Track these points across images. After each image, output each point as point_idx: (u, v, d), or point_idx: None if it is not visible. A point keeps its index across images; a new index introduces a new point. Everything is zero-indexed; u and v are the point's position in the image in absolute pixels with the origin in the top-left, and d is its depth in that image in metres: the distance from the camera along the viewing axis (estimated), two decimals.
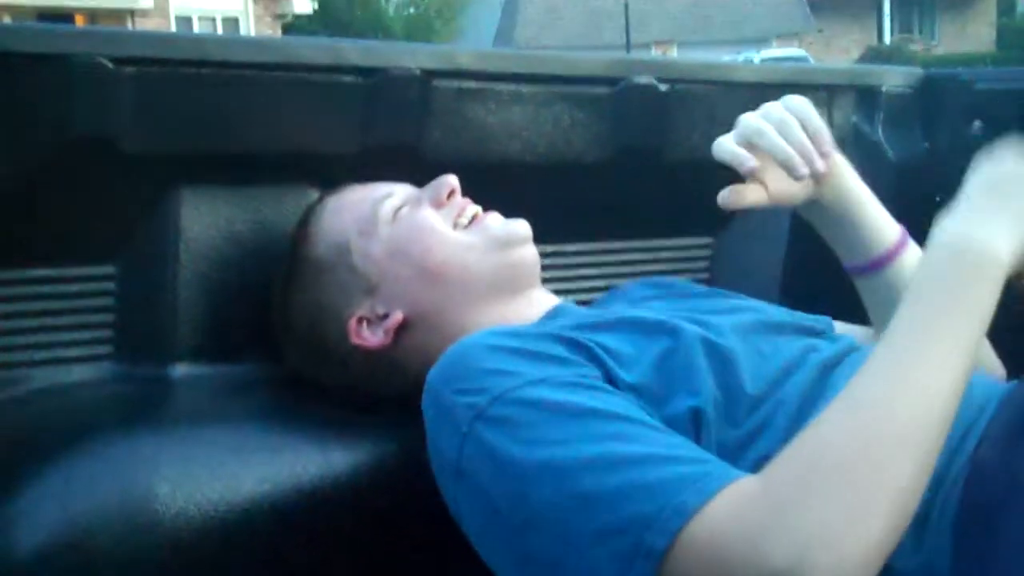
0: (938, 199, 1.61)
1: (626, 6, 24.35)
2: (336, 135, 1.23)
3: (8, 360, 1.12)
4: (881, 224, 1.18)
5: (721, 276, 1.61)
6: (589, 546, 0.78)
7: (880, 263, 1.18)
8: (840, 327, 1.24)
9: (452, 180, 1.15)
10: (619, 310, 1.09)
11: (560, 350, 0.93)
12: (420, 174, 1.21)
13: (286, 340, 1.18)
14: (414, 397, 0.98)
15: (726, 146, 1.05)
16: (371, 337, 1.11)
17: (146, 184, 1.15)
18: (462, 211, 1.15)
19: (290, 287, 1.16)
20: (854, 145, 1.61)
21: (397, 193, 1.15)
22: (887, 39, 29.45)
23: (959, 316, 0.81)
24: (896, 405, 0.76)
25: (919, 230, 1.63)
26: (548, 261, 1.43)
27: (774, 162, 1.05)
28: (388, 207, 1.13)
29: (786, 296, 1.54)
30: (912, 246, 1.19)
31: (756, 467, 0.80)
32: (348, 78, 1.20)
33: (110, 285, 1.18)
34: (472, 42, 29.41)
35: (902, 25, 30.69)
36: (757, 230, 1.59)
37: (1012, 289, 0.85)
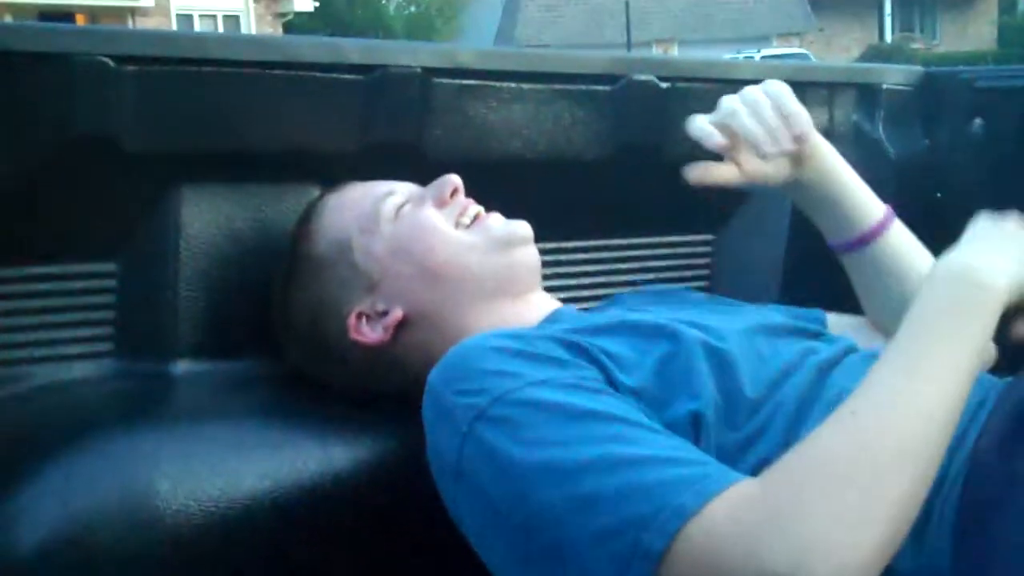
0: (938, 196, 1.63)
1: (627, 4, 24.35)
2: (337, 133, 1.23)
3: (9, 357, 1.12)
4: (864, 201, 1.21)
5: (722, 272, 1.61)
6: (588, 547, 0.78)
7: (865, 240, 1.20)
8: (833, 318, 1.26)
9: (455, 179, 1.15)
10: (619, 314, 1.10)
11: (561, 352, 0.93)
12: (421, 172, 1.21)
13: (286, 337, 1.18)
14: (413, 395, 0.99)
15: (697, 123, 1.09)
16: (370, 333, 1.11)
17: (147, 182, 1.15)
18: (464, 210, 1.15)
19: (291, 284, 1.16)
20: (855, 143, 1.61)
21: (399, 191, 1.16)
22: (888, 38, 29.44)
23: (957, 337, 0.83)
24: (895, 416, 0.78)
25: (920, 227, 1.63)
26: (549, 258, 1.42)
27: (746, 142, 1.09)
28: (390, 205, 1.13)
29: (786, 292, 1.55)
30: (898, 224, 1.22)
31: (755, 470, 0.80)
32: (349, 76, 1.21)
33: (111, 282, 1.18)
34: (473, 41, 29.41)
35: (903, 24, 30.68)
36: (757, 226, 1.59)
37: (1004, 319, 0.89)
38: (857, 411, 0.78)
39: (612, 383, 0.92)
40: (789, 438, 0.87)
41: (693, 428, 0.90)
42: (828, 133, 1.59)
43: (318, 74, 1.19)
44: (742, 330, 1.03)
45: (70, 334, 1.16)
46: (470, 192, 1.18)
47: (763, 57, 21.08)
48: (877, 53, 25.08)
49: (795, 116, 1.09)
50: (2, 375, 1.12)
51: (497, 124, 1.32)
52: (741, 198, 1.54)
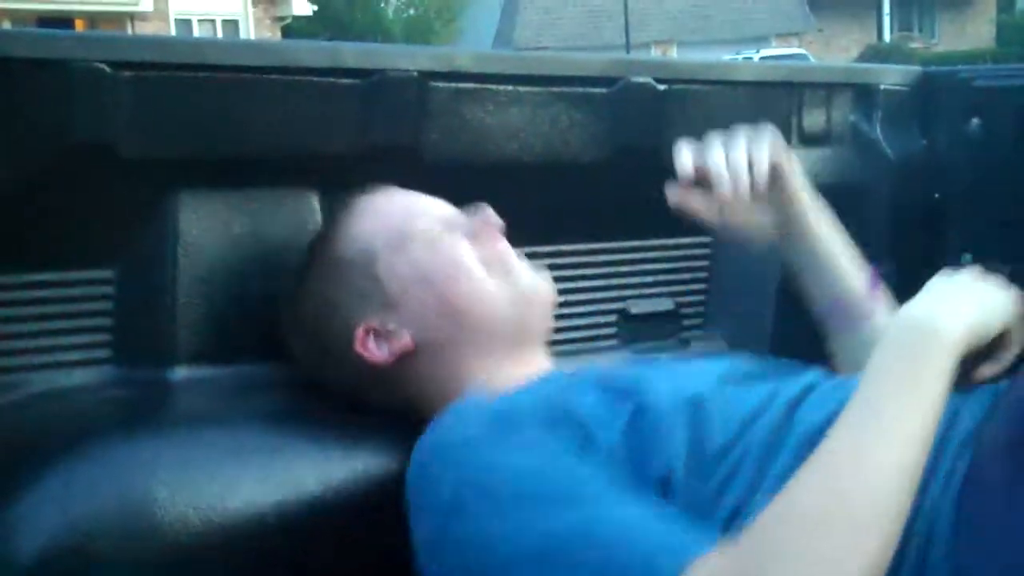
0: (937, 196, 1.63)
1: (625, 6, 24.35)
2: (334, 138, 1.23)
3: (7, 364, 1.12)
4: (848, 272, 1.25)
5: (719, 275, 1.61)
6: None
7: (849, 314, 1.23)
8: None
9: (493, 217, 1.15)
10: (594, 371, 1.09)
11: (539, 420, 0.95)
12: (419, 176, 1.21)
13: (290, 326, 1.18)
14: (399, 412, 1.03)
15: (681, 157, 1.14)
16: (375, 351, 1.11)
17: (144, 188, 1.15)
18: (495, 251, 1.15)
19: (308, 277, 1.16)
20: (852, 143, 1.62)
21: (437, 213, 1.15)
22: (887, 37, 29.44)
23: (916, 387, 0.84)
24: (860, 476, 0.79)
25: (917, 228, 1.64)
26: (547, 262, 1.43)
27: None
28: (425, 227, 1.13)
29: (783, 296, 1.54)
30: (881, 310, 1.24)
31: (727, 523, 0.85)
32: (346, 80, 1.20)
33: (109, 289, 1.17)
34: (471, 43, 29.43)
35: (902, 23, 30.67)
36: None
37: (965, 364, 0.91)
38: (812, 483, 0.80)
39: (587, 445, 0.93)
40: (758, 481, 0.89)
41: (663, 485, 0.91)
42: (826, 134, 1.59)
43: (315, 79, 1.19)
44: (710, 380, 1.03)
45: (68, 341, 1.15)
46: (469, 195, 1.18)
47: (762, 58, 21.07)
48: (875, 53, 25.07)
49: (757, 164, 1.13)
50: (0, 382, 1.11)
51: (494, 127, 1.32)
52: None
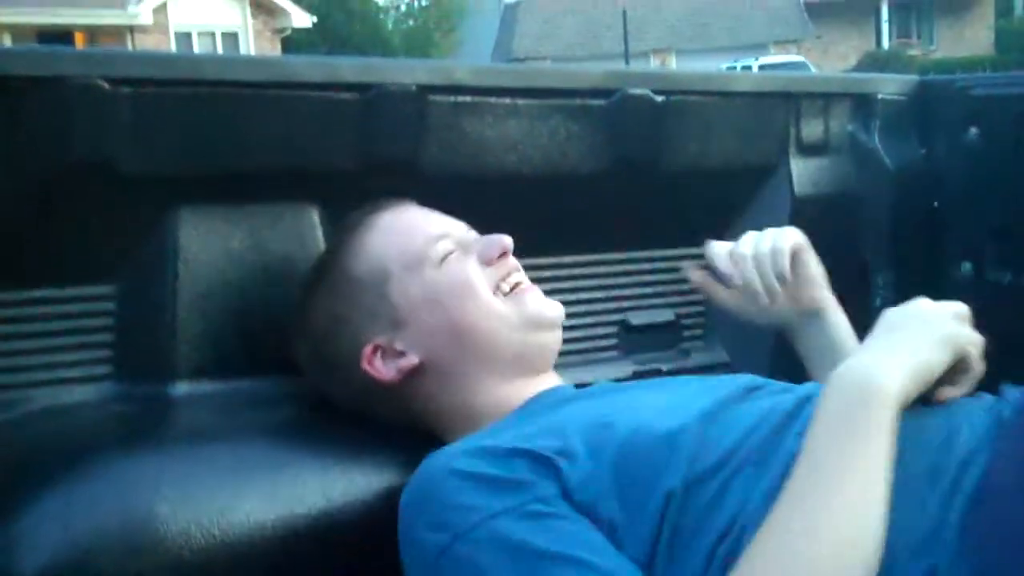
0: (936, 205, 1.63)
1: (624, 15, 24.39)
2: (333, 152, 1.23)
3: (9, 381, 1.12)
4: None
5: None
6: None
7: None
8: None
9: (507, 242, 1.15)
10: (585, 408, 1.08)
11: (522, 470, 0.95)
12: (418, 189, 1.21)
13: (299, 337, 1.18)
14: (404, 428, 1.04)
15: (722, 257, 1.27)
16: (382, 369, 1.11)
17: (144, 204, 1.15)
18: (507, 276, 1.15)
19: (318, 289, 1.16)
20: (851, 153, 1.62)
21: (452, 235, 1.15)
22: (885, 44, 29.48)
23: (856, 450, 0.86)
24: (809, 549, 0.81)
25: (916, 236, 1.64)
26: (546, 273, 1.43)
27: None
28: (440, 249, 1.13)
29: None
30: None
31: (718, 542, 0.88)
32: (344, 95, 1.21)
33: (110, 305, 1.18)
34: (470, 54, 29.48)
35: (900, 30, 30.72)
36: None
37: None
38: (776, 541, 0.82)
39: (568, 492, 0.93)
40: (749, 497, 0.90)
41: (659, 513, 0.92)
42: (824, 144, 1.59)
43: (314, 93, 1.19)
44: (708, 403, 1.03)
45: (69, 357, 1.15)
46: (468, 208, 1.18)
47: (761, 66, 21.10)
48: (874, 60, 25.12)
49: (785, 276, 1.25)
50: (2, 399, 1.11)
51: (493, 140, 1.32)
52: (736, 212, 1.54)
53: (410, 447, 1.03)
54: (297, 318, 1.17)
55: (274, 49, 21.18)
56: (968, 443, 0.90)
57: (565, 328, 1.46)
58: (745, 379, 1.13)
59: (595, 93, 1.39)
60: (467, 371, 1.12)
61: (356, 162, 1.24)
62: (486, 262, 1.14)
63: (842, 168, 1.62)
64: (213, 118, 1.14)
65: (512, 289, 1.15)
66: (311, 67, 1.21)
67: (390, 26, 29.81)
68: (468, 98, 1.29)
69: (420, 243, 1.13)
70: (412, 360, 1.11)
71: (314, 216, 1.25)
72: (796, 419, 0.97)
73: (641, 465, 0.94)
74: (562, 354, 1.45)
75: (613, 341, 1.54)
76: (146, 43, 19.03)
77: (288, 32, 22.16)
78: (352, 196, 1.19)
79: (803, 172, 1.58)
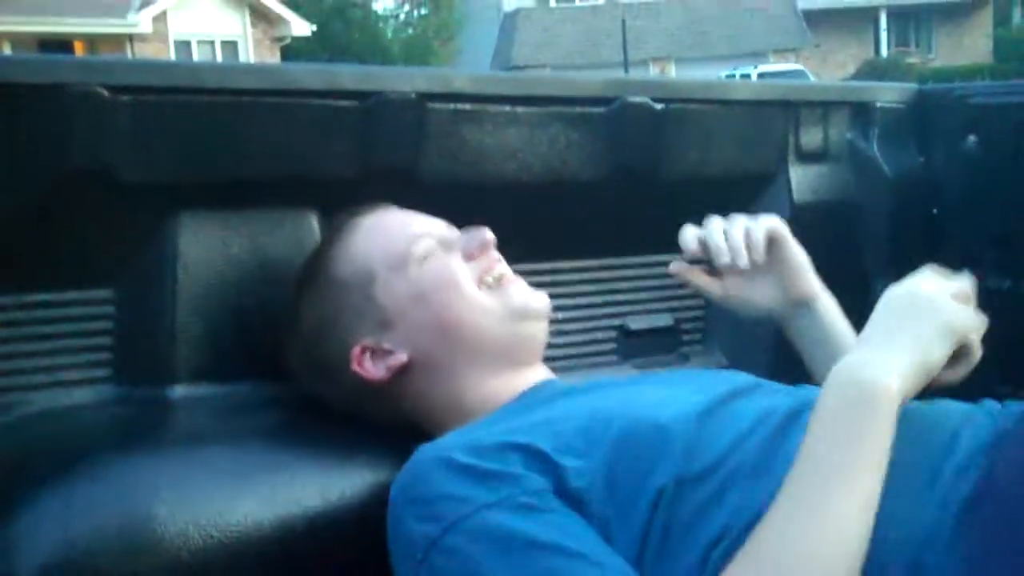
0: (934, 212, 1.64)
1: (623, 24, 24.44)
2: (332, 159, 1.23)
3: (9, 384, 1.13)
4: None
5: None
6: None
7: None
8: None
9: (487, 235, 1.16)
10: (579, 403, 1.08)
11: (513, 464, 0.95)
12: (417, 196, 1.21)
13: (288, 342, 1.18)
14: (399, 427, 1.04)
15: (686, 234, 1.21)
16: (371, 369, 1.12)
17: (144, 211, 1.16)
18: (490, 269, 1.16)
19: (305, 294, 1.16)
20: (850, 161, 1.62)
21: (433, 233, 1.16)
22: (884, 52, 29.53)
23: (855, 449, 0.85)
24: (807, 547, 0.81)
25: (915, 244, 1.64)
26: (546, 279, 1.43)
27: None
28: (422, 248, 1.14)
29: None
30: None
31: (713, 544, 0.87)
32: (344, 103, 1.21)
33: (109, 309, 1.18)
34: (469, 62, 29.50)
35: (898, 38, 30.76)
36: None
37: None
38: (774, 541, 0.82)
39: (561, 485, 0.94)
40: (745, 501, 0.90)
41: (650, 508, 0.92)
42: (823, 152, 1.60)
43: (313, 101, 1.20)
44: (705, 400, 1.03)
45: (69, 360, 1.16)
46: (467, 215, 1.18)
47: (760, 74, 21.14)
48: (872, 68, 25.15)
49: (755, 236, 1.20)
50: (1, 401, 1.12)
51: (492, 148, 1.33)
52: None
53: (407, 447, 1.03)
54: (285, 324, 1.18)
55: (273, 58, 21.19)
56: (968, 447, 0.90)
57: (565, 333, 1.47)
58: (741, 377, 1.13)
59: (595, 101, 1.39)
60: (456, 366, 1.12)
61: (355, 170, 1.24)
62: (468, 256, 1.15)
63: (841, 176, 1.62)
64: (212, 125, 1.15)
65: (496, 281, 1.15)
66: (310, 75, 1.21)
67: (389, 35, 29.83)
68: (467, 106, 1.30)
69: (403, 243, 1.13)
70: (401, 358, 1.11)
71: (313, 222, 1.25)
72: (796, 422, 0.97)
73: (634, 460, 0.94)
74: (562, 358, 1.45)
75: (612, 346, 1.54)
76: (145, 52, 19.05)
77: (287, 41, 22.18)
78: (351, 203, 1.19)
79: (802, 180, 1.58)
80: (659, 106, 1.42)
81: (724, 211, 1.42)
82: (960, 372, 0.97)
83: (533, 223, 1.37)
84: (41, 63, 1.08)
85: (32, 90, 1.04)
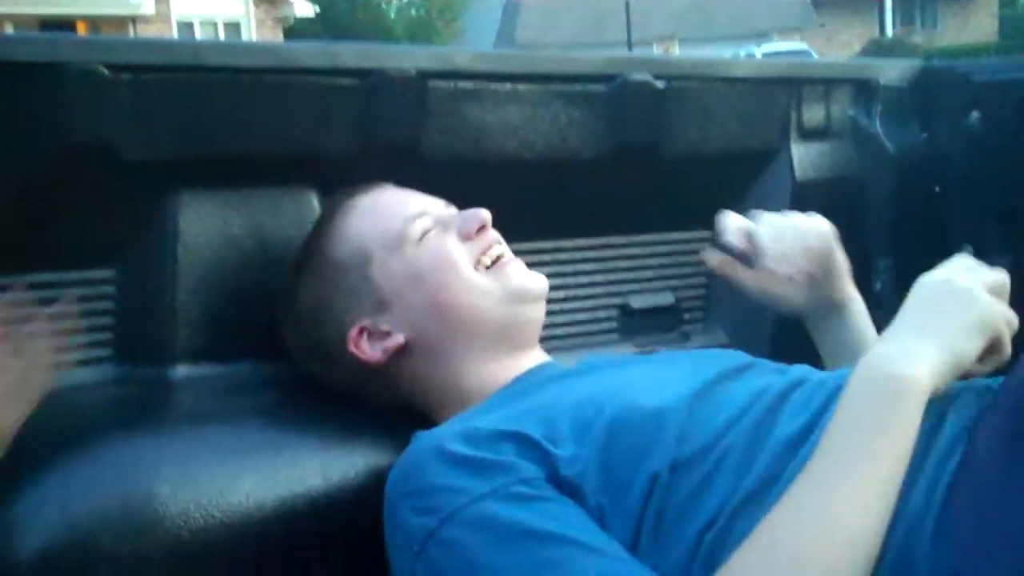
0: (937, 190, 1.63)
1: (627, 4, 24.32)
2: (334, 137, 1.23)
3: None
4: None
5: None
6: None
7: None
8: None
9: (484, 215, 1.15)
10: (573, 387, 1.08)
11: (507, 452, 0.94)
12: (418, 175, 1.21)
13: (286, 324, 1.18)
14: (398, 408, 1.04)
15: (729, 224, 1.22)
16: (368, 351, 1.12)
17: (145, 189, 1.16)
18: (487, 249, 1.15)
19: (302, 275, 1.16)
20: (853, 138, 1.62)
21: (430, 212, 1.15)
22: (889, 32, 29.40)
23: (881, 440, 0.84)
24: (816, 547, 0.79)
25: (917, 221, 1.64)
26: (547, 258, 1.43)
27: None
28: (418, 227, 1.13)
29: None
30: None
31: (705, 529, 0.87)
32: (345, 80, 1.21)
33: (110, 289, 1.18)
34: (473, 43, 29.41)
35: (904, 18, 30.62)
36: None
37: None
38: (774, 542, 0.80)
39: (556, 474, 0.93)
40: (737, 483, 0.89)
41: (644, 494, 0.91)
42: (826, 129, 1.59)
43: (314, 79, 1.19)
44: (697, 382, 1.02)
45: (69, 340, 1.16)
46: (468, 194, 1.18)
47: (764, 54, 21.04)
48: (877, 48, 25.03)
49: (810, 252, 1.22)
50: None
51: (494, 125, 1.32)
52: (737, 196, 1.54)
53: (407, 427, 1.03)
54: (283, 305, 1.18)
55: (276, 38, 21.12)
56: (952, 430, 0.89)
57: (566, 312, 1.47)
58: (735, 356, 1.13)
59: (596, 79, 1.39)
60: (453, 348, 1.11)
61: (356, 147, 1.24)
62: (465, 237, 1.14)
63: (843, 153, 1.62)
64: (213, 104, 1.14)
65: (494, 263, 1.15)
66: (311, 53, 1.21)
67: (392, 15, 29.75)
68: (468, 84, 1.29)
69: (399, 223, 1.13)
70: (398, 339, 1.11)
71: (314, 201, 1.25)
72: (787, 402, 0.97)
73: (628, 446, 0.94)
74: (563, 337, 1.45)
75: (614, 324, 1.54)
76: (148, 33, 18.98)
77: (291, 21, 22.11)
78: (352, 181, 1.19)
79: (804, 157, 1.58)
80: (660, 84, 1.42)
81: (726, 188, 1.42)
82: (988, 367, 0.95)
83: (534, 201, 1.37)
84: (42, 41, 1.07)
85: (33, 69, 1.04)
